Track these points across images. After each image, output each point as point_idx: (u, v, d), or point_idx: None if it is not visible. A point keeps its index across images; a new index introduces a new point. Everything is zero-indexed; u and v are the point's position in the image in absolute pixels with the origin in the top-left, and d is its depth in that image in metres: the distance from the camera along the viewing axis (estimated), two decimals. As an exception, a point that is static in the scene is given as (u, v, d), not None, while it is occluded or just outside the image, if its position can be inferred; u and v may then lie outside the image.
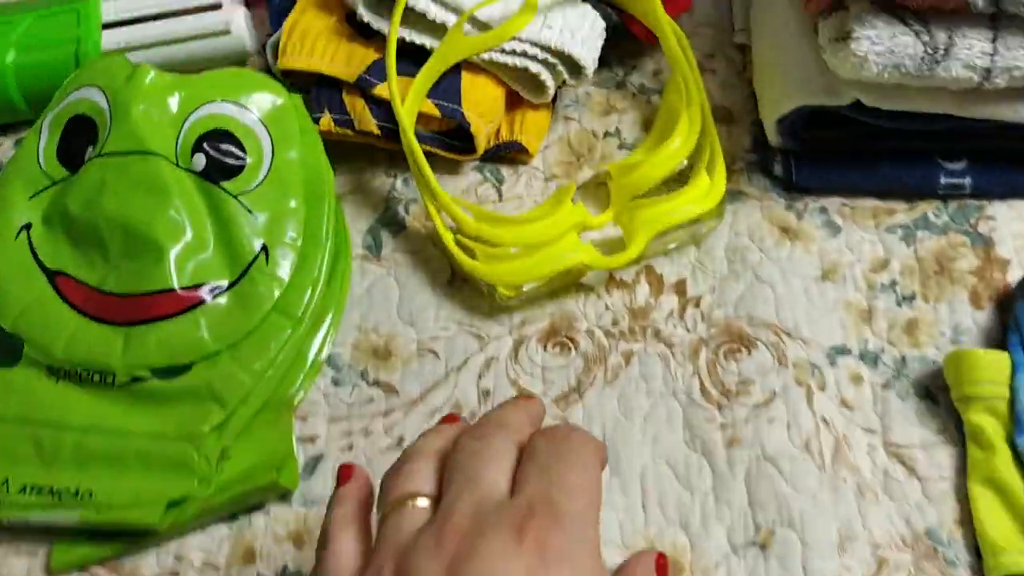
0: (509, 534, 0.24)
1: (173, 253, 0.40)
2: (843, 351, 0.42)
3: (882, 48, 0.37)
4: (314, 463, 0.41)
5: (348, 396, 0.42)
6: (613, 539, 0.38)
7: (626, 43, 0.50)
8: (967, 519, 0.37)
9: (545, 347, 0.43)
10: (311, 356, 0.42)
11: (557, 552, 0.23)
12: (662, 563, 0.27)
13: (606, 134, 0.49)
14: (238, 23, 0.49)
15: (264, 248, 0.42)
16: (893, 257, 0.44)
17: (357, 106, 0.45)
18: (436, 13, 0.44)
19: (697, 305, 0.44)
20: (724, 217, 0.45)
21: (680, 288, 0.44)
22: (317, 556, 0.28)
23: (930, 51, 0.37)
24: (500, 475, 0.26)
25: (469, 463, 0.26)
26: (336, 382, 0.43)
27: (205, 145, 0.42)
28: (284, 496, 0.40)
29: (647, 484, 0.39)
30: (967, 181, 0.44)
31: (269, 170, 0.43)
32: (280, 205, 0.42)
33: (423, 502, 0.26)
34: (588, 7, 0.46)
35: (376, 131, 0.45)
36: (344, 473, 0.30)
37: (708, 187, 0.43)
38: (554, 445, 0.26)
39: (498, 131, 0.47)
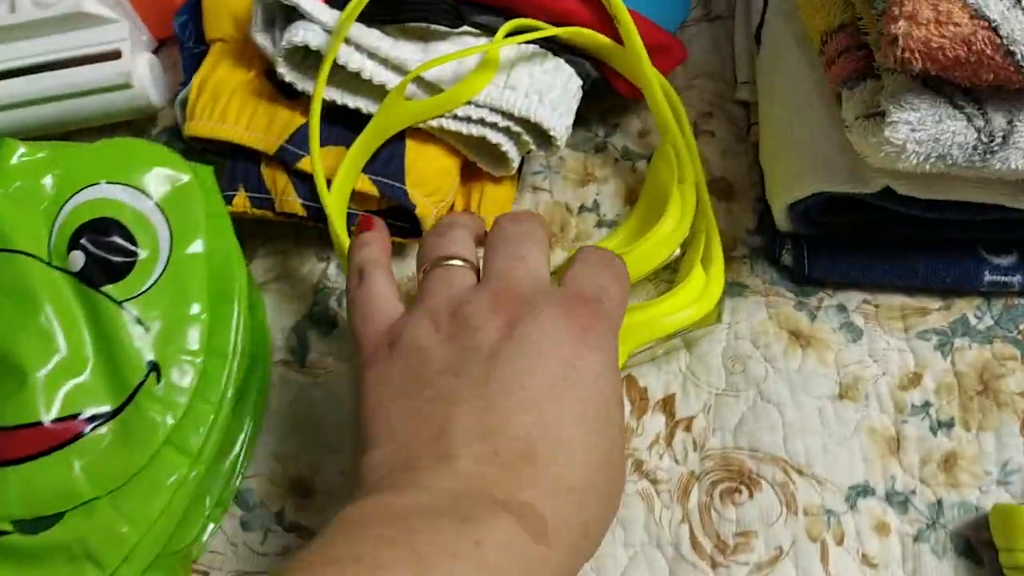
0: (560, 311, 0.27)
1: (41, 376, 0.33)
2: (865, 491, 0.34)
3: (924, 136, 0.29)
4: (216, 635, 0.33)
5: (259, 544, 0.35)
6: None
7: (608, 97, 0.42)
8: None
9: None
10: (216, 494, 0.35)
11: (595, 339, 0.27)
12: None
13: (582, 208, 0.41)
14: (140, 74, 0.41)
15: (155, 367, 0.34)
16: (927, 371, 0.36)
17: (279, 182, 0.38)
18: (373, 72, 0.36)
19: (688, 429, 0.36)
20: (723, 319, 0.37)
21: (668, 406, 0.36)
22: (349, 298, 0.30)
23: (985, 139, 0.29)
24: (543, 260, 0.29)
25: (515, 242, 0.29)
26: (245, 526, 0.35)
27: (84, 240, 0.34)
28: (178, 675, 0.32)
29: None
30: (1017, 279, 0.37)
31: (166, 267, 0.35)
32: (177, 311, 0.35)
33: (467, 265, 0.29)
34: (561, 62, 0.38)
35: (301, 211, 0.38)
36: (366, 222, 0.32)
37: (704, 285, 0.36)
38: (601, 257, 0.30)
39: (451, 207, 0.40)
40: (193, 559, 0.34)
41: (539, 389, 0.25)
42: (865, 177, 0.34)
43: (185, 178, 0.36)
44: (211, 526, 0.35)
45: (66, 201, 0.35)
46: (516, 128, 0.37)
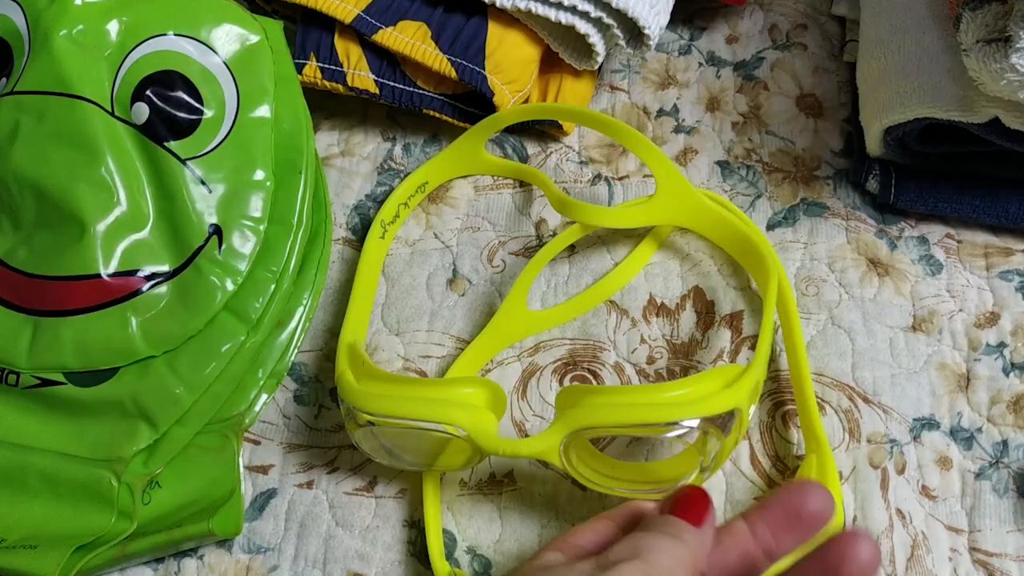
0: None
1: (100, 228, 0.32)
2: (931, 425, 0.33)
3: (1057, 59, 0.27)
4: (264, 500, 0.33)
5: (312, 419, 0.34)
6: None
7: (698, -1, 0.39)
8: (1070, 666, 0.29)
9: (561, 381, 0.34)
10: (269, 366, 0.34)
11: None
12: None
13: (660, 112, 0.39)
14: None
15: (217, 230, 0.33)
16: (1005, 311, 0.35)
17: (352, 54, 0.36)
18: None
19: (753, 347, 0.35)
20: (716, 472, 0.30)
21: (735, 322, 0.35)
22: None
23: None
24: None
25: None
26: (299, 399, 0.35)
27: (149, 92, 0.33)
28: (224, 540, 0.32)
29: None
30: (1112, 224, 0.35)
31: (232, 129, 0.33)
32: (242, 176, 0.33)
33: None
34: (659, -49, 0.36)
35: (374, 89, 0.36)
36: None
37: (712, 393, 0.28)
38: None
39: (527, 100, 0.38)
40: (245, 428, 0.34)
41: None
42: (975, 106, 0.32)
43: (255, 39, 0.34)
44: (264, 397, 0.34)
45: (132, 50, 0.33)
46: (608, 20, 0.35)
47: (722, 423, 0.27)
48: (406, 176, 0.38)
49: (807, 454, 0.32)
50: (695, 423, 0.27)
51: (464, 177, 0.38)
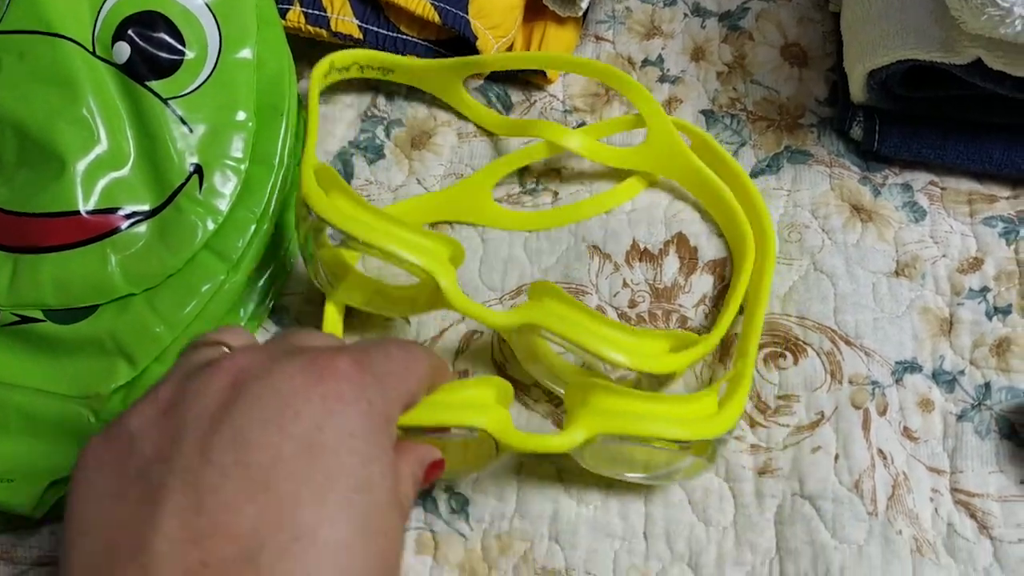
0: (299, 363, 0.22)
1: (80, 166, 0.32)
2: (913, 368, 0.33)
3: (1038, -11, 0.27)
4: (242, 443, 0.33)
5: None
6: (603, 572, 0.30)
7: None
8: (1050, 601, 0.29)
9: (542, 325, 0.34)
10: (250, 307, 0.34)
11: (352, 394, 0.22)
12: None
13: (646, 62, 0.39)
14: None
15: (198, 169, 0.33)
16: (988, 256, 0.35)
17: (336, 0, 0.36)
18: None
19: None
20: (716, 462, 0.31)
21: (717, 268, 0.35)
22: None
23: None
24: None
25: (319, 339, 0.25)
26: (279, 344, 0.34)
27: (131, 31, 0.33)
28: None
29: (653, 508, 0.31)
30: (1096, 171, 0.35)
31: (214, 70, 0.33)
32: (224, 116, 0.33)
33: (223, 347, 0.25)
34: None
35: (358, 34, 0.36)
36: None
37: (713, 412, 0.29)
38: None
39: (511, 47, 0.38)
40: (224, 369, 0.34)
41: (268, 465, 0.21)
42: (957, 46, 0.32)
43: (238, -20, 0.34)
44: (244, 340, 0.34)
45: (113, -12, 0.33)
46: (590, -38, 0.35)
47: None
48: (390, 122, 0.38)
49: (734, 371, 0.31)
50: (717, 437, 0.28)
51: (447, 126, 0.38)
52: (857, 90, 0.36)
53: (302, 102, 0.37)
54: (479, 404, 0.28)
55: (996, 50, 0.32)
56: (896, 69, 0.34)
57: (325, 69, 0.35)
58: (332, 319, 0.33)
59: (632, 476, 0.31)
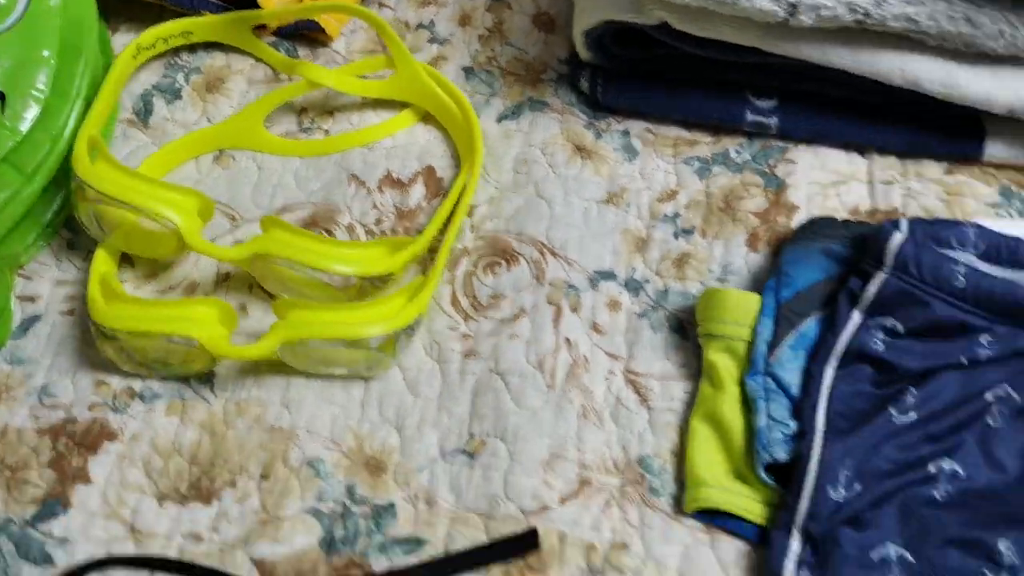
0: None
1: None
2: (608, 276, 0.40)
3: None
4: (29, 322, 0.39)
5: (81, 261, 0.40)
6: (321, 432, 0.36)
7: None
8: (683, 452, 0.35)
9: (302, 238, 0.41)
10: (47, 216, 0.40)
11: None
12: None
13: (419, 26, 0.46)
14: None
15: (2, 96, 0.39)
16: (683, 189, 0.42)
17: (139, -41, 0.42)
18: None
19: (470, 215, 0.41)
20: (397, 357, 0.37)
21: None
22: None
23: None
24: None
25: None
26: (72, 245, 0.40)
27: (-54, -27, 0.39)
28: (-7, 355, 0.38)
29: (372, 383, 0.37)
30: (774, 121, 0.42)
31: (23, 14, 0.40)
32: (28, 53, 0.39)
33: None
34: None
35: (161, -9, 0.42)
36: None
37: (399, 309, 0.36)
38: None
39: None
40: (20, 265, 0.39)
41: None
42: (644, 9, 0.39)
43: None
44: (41, 244, 0.40)
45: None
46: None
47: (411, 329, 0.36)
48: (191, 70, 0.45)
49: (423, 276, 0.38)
50: (383, 335, 0.35)
51: (240, 74, 0.45)
52: (580, 48, 0.42)
53: (106, 47, 0.43)
54: (198, 319, 0.34)
55: (676, 12, 0.39)
56: (604, 30, 0.41)
57: (133, 51, 0.41)
58: (102, 259, 0.38)
59: (339, 372, 0.37)
